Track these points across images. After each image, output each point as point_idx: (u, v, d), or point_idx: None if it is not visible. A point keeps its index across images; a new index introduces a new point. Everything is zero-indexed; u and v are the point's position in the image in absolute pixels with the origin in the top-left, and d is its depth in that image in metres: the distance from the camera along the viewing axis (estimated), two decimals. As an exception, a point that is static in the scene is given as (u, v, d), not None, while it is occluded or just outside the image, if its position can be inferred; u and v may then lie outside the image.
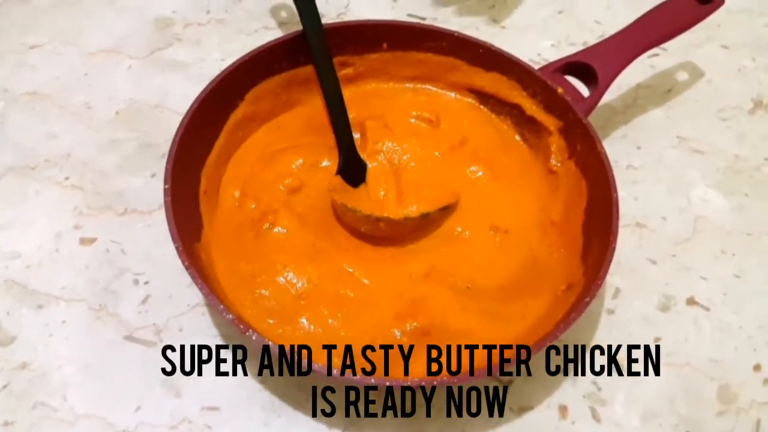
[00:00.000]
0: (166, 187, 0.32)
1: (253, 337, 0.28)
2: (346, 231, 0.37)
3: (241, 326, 0.29)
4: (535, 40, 0.49)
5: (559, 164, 0.39)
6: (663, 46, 0.50)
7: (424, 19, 0.50)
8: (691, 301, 0.38)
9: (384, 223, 0.36)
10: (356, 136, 0.40)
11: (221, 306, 0.29)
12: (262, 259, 0.35)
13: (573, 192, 0.38)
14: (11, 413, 0.32)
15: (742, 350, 0.36)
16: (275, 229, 0.36)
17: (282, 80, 0.40)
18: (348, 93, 0.40)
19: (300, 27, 0.38)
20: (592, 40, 0.48)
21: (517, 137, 0.42)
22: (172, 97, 0.44)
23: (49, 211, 0.38)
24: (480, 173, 0.40)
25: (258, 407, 0.33)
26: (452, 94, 0.43)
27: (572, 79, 0.40)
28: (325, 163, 0.39)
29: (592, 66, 0.39)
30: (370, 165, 0.39)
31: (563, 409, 0.34)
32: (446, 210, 0.38)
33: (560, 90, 0.39)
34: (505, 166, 0.41)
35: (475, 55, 0.41)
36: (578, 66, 0.40)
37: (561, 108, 0.39)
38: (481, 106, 0.43)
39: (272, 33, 0.48)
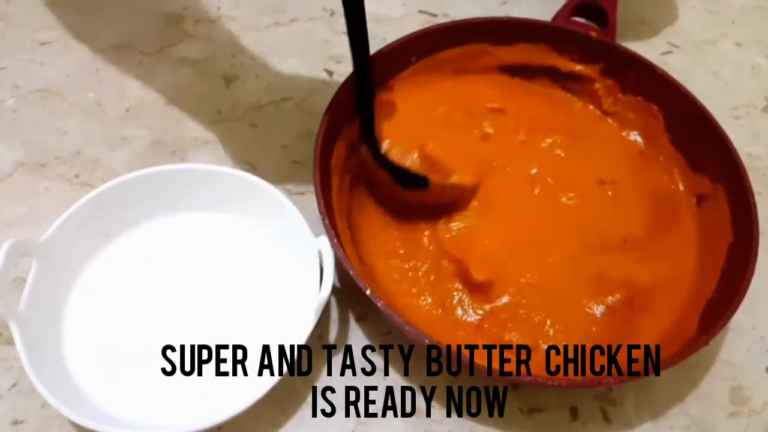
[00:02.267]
0: (381, 304, 0.30)
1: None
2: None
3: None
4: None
5: (613, 103, 0.41)
6: (676, 43, 0.50)
7: (435, 15, 0.50)
8: (703, 302, 0.37)
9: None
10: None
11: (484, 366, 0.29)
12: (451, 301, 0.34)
13: (644, 118, 0.40)
14: (21, 412, 0.32)
15: (754, 351, 0.36)
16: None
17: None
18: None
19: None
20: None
21: (563, 91, 0.43)
22: (182, 94, 0.44)
23: (59, 208, 0.38)
24: (558, 140, 0.40)
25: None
26: (483, 77, 0.43)
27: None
28: None
29: (596, 2, 0.42)
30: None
31: (574, 411, 0.34)
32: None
33: (593, 33, 0.40)
34: (572, 126, 0.41)
35: (498, 33, 0.41)
36: (582, 6, 0.42)
37: (596, 51, 0.41)
38: (515, 79, 0.43)
39: (282, 29, 0.48)
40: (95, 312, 0.34)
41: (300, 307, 0.33)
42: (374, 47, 0.40)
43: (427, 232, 0.37)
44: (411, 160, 0.37)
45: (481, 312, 0.34)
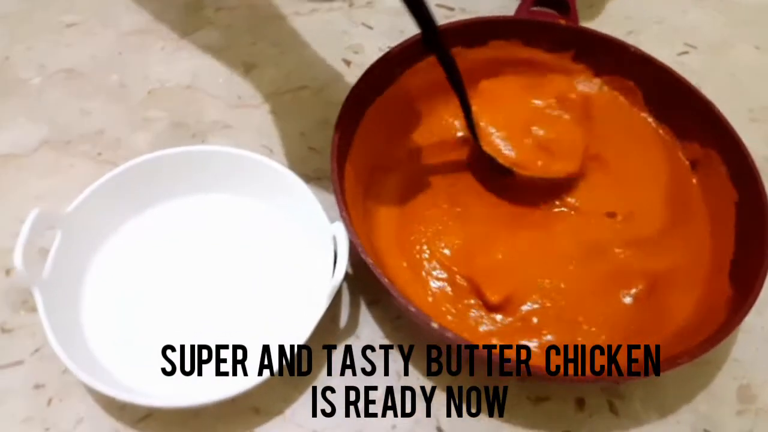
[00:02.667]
0: (437, 326, 0.30)
1: None
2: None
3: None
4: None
5: (589, 88, 0.42)
6: (693, 44, 0.50)
7: (452, 9, 0.50)
8: (713, 300, 0.37)
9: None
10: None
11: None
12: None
13: (623, 96, 0.41)
14: (43, 376, 0.33)
15: (763, 351, 0.36)
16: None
17: None
18: None
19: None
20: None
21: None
22: (203, 79, 0.45)
23: (81, 185, 0.39)
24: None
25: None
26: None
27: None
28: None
29: None
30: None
31: (580, 402, 0.34)
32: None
33: (562, 21, 0.41)
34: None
35: (467, 35, 0.40)
36: None
37: (566, 38, 0.41)
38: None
39: (302, 19, 0.49)
40: (113, 284, 0.35)
41: (313, 290, 0.34)
42: (392, 41, 0.41)
43: (426, 254, 0.36)
44: (522, 146, 0.38)
45: (507, 321, 0.34)
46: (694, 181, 0.39)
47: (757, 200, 0.34)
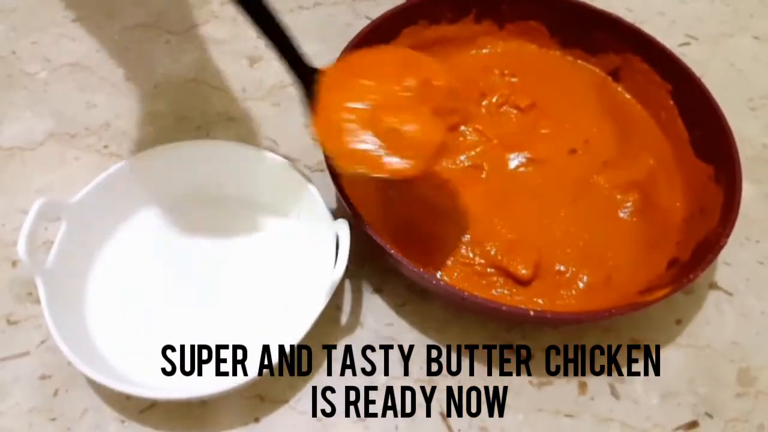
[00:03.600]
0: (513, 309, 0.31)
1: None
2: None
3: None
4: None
5: (502, 38, 0.44)
6: (694, 35, 0.50)
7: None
8: (713, 286, 0.38)
9: None
10: None
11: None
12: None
13: (532, 38, 0.44)
14: (48, 367, 0.33)
15: (763, 335, 0.36)
16: None
17: None
18: None
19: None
20: None
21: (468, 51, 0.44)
22: (208, 72, 0.45)
23: (87, 177, 0.39)
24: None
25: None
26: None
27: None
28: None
29: None
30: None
31: (582, 385, 0.34)
32: None
33: None
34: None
35: (381, 30, 0.40)
36: None
37: (463, 3, 0.42)
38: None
39: (306, 13, 0.49)
40: (116, 278, 0.35)
41: (316, 288, 0.33)
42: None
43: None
44: (367, 138, 0.31)
45: (544, 284, 0.35)
46: (620, 89, 0.42)
47: (689, 80, 0.38)
